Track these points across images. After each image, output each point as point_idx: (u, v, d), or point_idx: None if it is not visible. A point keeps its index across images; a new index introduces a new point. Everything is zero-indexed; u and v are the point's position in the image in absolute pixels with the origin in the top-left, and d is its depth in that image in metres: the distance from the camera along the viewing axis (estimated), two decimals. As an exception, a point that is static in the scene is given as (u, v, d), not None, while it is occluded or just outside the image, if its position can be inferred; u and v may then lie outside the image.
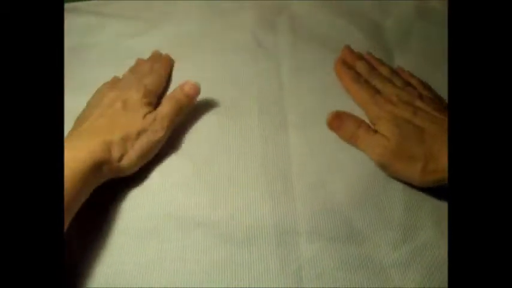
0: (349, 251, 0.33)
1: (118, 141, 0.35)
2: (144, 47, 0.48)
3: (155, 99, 0.42)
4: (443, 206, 0.35)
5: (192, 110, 0.42)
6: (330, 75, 0.45)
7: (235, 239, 0.34)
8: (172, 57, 0.47)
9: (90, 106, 0.41)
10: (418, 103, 0.39)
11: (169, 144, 0.40)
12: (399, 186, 0.36)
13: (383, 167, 0.36)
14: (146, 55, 0.48)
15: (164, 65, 0.46)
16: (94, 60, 0.48)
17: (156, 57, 0.47)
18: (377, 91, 0.41)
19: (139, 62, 0.47)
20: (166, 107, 0.39)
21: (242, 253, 0.33)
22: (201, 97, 0.43)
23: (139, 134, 0.36)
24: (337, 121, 0.39)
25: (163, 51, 0.48)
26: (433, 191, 0.36)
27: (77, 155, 0.32)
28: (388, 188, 0.36)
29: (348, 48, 0.46)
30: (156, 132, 0.37)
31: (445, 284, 0.31)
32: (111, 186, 0.36)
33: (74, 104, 0.43)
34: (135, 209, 0.36)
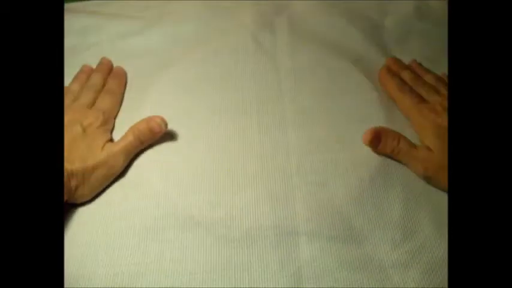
0: (348, 251, 0.33)
1: (77, 172, 0.35)
2: (144, 46, 0.48)
3: (113, 123, 0.42)
4: (443, 206, 0.35)
5: (192, 111, 0.42)
6: (329, 73, 0.45)
7: (234, 239, 0.34)
8: (172, 56, 0.47)
9: None
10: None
11: (169, 145, 0.40)
12: (399, 186, 0.37)
13: (427, 179, 0.36)
14: (145, 55, 0.48)
15: (119, 83, 0.45)
16: (94, 60, 0.48)
17: (106, 67, 0.47)
18: (422, 99, 0.41)
19: (87, 71, 0.46)
20: (126, 141, 0.38)
21: (242, 253, 0.33)
22: (200, 97, 0.43)
23: (96, 167, 0.36)
24: (376, 140, 0.38)
25: (163, 51, 0.48)
26: (433, 191, 0.36)
27: None
28: (387, 188, 0.36)
29: (394, 58, 0.46)
30: (112, 167, 0.37)
31: (445, 283, 0.31)
32: (110, 187, 0.36)
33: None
34: (135, 209, 0.36)
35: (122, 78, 0.46)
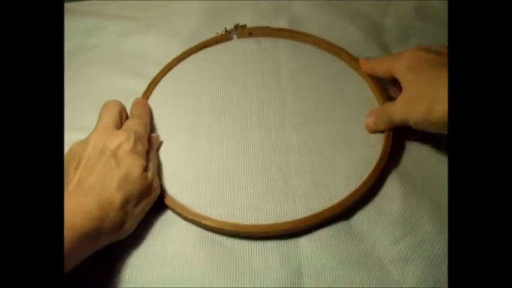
0: (348, 248, 0.34)
1: (118, 207, 0.31)
2: (144, 47, 0.48)
3: (146, 146, 0.37)
4: (442, 201, 0.36)
5: (193, 110, 0.43)
6: (328, 74, 0.45)
7: (236, 236, 0.34)
8: (172, 56, 0.47)
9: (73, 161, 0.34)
10: (440, 49, 0.37)
11: (170, 144, 0.40)
12: (398, 183, 0.37)
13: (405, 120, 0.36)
14: (146, 55, 0.48)
15: (142, 108, 0.41)
16: (95, 61, 0.48)
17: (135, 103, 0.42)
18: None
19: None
20: (154, 162, 0.36)
21: (243, 250, 0.34)
22: (200, 97, 0.44)
23: (141, 197, 0.33)
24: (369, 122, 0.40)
25: (163, 51, 0.48)
26: (432, 186, 0.37)
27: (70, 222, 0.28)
28: (387, 185, 0.37)
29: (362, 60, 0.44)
30: (156, 190, 0.35)
31: (445, 278, 0.32)
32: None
33: (74, 104, 0.43)
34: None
35: (144, 105, 0.42)
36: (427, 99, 0.33)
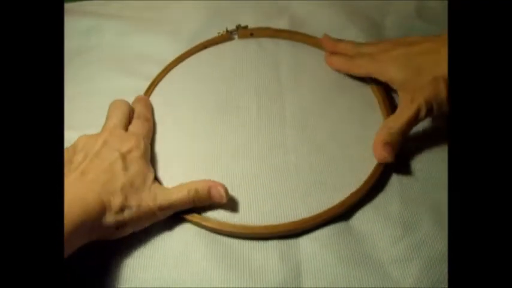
0: (348, 247, 0.34)
1: (116, 209, 0.31)
2: (145, 47, 0.49)
3: (149, 152, 0.38)
4: (442, 201, 0.36)
5: (192, 110, 0.43)
6: (328, 74, 0.45)
7: (236, 235, 0.34)
8: (173, 56, 0.47)
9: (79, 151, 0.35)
10: (409, 39, 0.41)
11: (169, 144, 0.40)
12: (398, 183, 0.37)
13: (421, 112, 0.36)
14: (147, 55, 0.48)
15: (145, 105, 0.41)
16: (95, 61, 0.48)
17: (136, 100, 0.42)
18: (371, 54, 0.42)
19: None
20: (178, 197, 0.33)
21: (243, 247, 0.34)
22: (200, 96, 0.44)
23: (142, 214, 0.32)
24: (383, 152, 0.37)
25: (163, 51, 0.48)
26: (432, 185, 0.37)
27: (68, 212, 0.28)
28: (386, 184, 0.37)
29: (326, 37, 0.46)
30: (157, 217, 0.34)
31: (444, 278, 0.32)
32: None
33: (74, 105, 0.43)
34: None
35: (147, 103, 0.42)
36: (438, 76, 0.35)
